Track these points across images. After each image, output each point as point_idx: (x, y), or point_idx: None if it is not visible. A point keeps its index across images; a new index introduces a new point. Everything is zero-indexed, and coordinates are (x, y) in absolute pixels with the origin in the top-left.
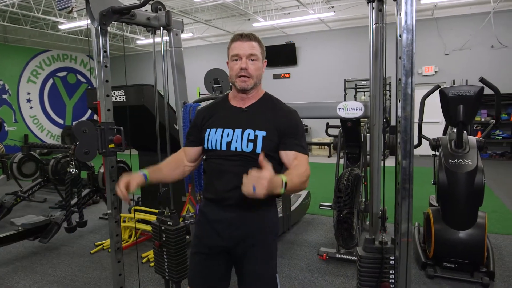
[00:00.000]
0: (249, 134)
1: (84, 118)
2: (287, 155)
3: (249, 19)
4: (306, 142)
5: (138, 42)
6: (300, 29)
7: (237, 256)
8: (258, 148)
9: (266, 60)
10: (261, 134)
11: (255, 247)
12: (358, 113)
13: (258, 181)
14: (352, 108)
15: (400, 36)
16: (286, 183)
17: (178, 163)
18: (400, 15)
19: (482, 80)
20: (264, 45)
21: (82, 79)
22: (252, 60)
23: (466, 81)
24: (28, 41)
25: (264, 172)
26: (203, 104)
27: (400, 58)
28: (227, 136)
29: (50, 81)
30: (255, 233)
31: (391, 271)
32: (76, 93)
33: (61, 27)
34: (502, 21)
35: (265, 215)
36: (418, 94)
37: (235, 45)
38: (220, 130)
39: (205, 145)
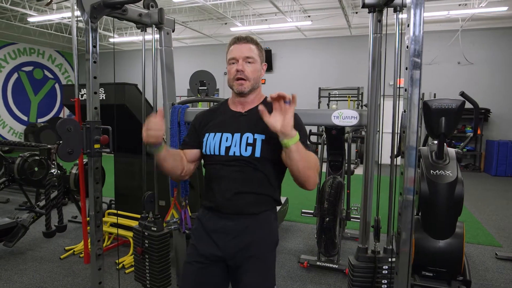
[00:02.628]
0: (247, 138)
1: (50, 116)
2: None
3: (226, 23)
4: (307, 144)
5: (111, 40)
6: (277, 36)
7: (234, 267)
8: (257, 152)
9: (266, 63)
10: (260, 137)
11: (253, 258)
12: (353, 122)
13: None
14: (347, 117)
15: (407, 47)
16: (296, 142)
17: (180, 156)
18: (408, 26)
19: (462, 94)
20: (263, 48)
21: (50, 75)
22: (249, 62)
23: (434, 94)
24: None
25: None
26: (190, 106)
27: (406, 69)
28: (226, 141)
29: (15, 76)
30: (254, 244)
31: (383, 281)
32: (43, 89)
33: (30, 19)
34: (469, 39)
35: (264, 224)
36: (390, 105)
37: (232, 48)
38: (218, 134)
39: (204, 150)
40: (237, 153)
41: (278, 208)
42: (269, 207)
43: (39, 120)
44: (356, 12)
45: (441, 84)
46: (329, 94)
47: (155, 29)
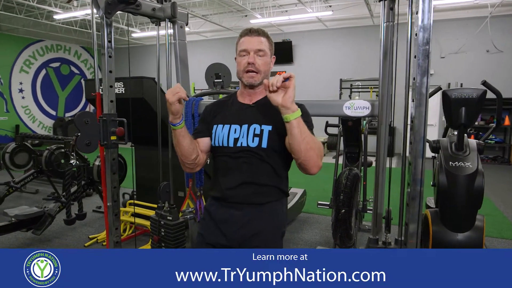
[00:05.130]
0: (255, 129)
1: (77, 110)
2: None
3: (246, 16)
4: (312, 133)
5: (134, 35)
6: (297, 27)
7: None
8: (264, 143)
9: (274, 56)
10: (267, 128)
11: (259, 248)
12: (365, 112)
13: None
14: (359, 107)
15: (416, 35)
16: (298, 117)
17: (194, 144)
18: (417, 13)
19: (484, 83)
20: (273, 41)
21: (76, 71)
22: (260, 55)
23: (461, 84)
24: (22, 30)
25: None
26: (205, 99)
27: (415, 57)
28: (235, 133)
29: (43, 72)
30: (259, 234)
31: None
32: (69, 84)
33: (56, 17)
34: (498, 26)
35: (270, 215)
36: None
37: (243, 40)
38: (227, 126)
39: (213, 142)
40: (244, 144)
41: (294, 199)
42: (276, 197)
43: (67, 115)
44: (379, 1)
45: (469, 73)
46: (351, 85)
47: (169, 23)
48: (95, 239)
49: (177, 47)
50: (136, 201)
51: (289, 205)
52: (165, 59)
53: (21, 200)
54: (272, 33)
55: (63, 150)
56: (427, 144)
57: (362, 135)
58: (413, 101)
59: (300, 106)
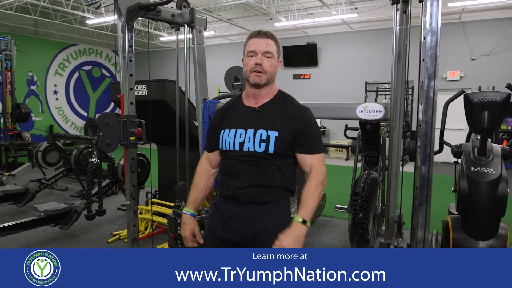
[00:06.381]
0: (261, 134)
1: (107, 111)
2: (303, 159)
3: (271, 19)
4: (320, 139)
5: (162, 39)
6: (322, 29)
7: None
8: (271, 148)
9: (281, 60)
10: (273, 134)
11: (265, 244)
12: (378, 115)
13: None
14: (372, 110)
15: (424, 38)
16: (306, 221)
17: (207, 174)
18: (425, 17)
19: (509, 86)
20: (280, 44)
21: (106, 73)
22: (268, 57)
23: (493, 87)
24: (57, 35)
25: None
26: (222, 101)
27: (423, 61)
28: (240, 137)
29: (76, 74)
30: (266, 230)
31: None
32: (100, 86)
33: (88, 22)
34: None
35: (277, 212)
36: (442, 99)
37: (251, 42)
38: (233, 130)
39: (220, 146)
40: (251, 149)
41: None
42: (283, 196)
43: (97, 116)
44: (392, 4)
45: (501, 76)
46: (377, 88)
47: (188, 28)
48: (118, 235)
49: (195, 51)
50: (158, 200)
51: None
52: (184, 63)
53: (51, 196)
54: (297, 36)
55: (90, 150)
56: (449, 149)
57: (381, 139)
58: (421, 104)
59: (306, 110)
